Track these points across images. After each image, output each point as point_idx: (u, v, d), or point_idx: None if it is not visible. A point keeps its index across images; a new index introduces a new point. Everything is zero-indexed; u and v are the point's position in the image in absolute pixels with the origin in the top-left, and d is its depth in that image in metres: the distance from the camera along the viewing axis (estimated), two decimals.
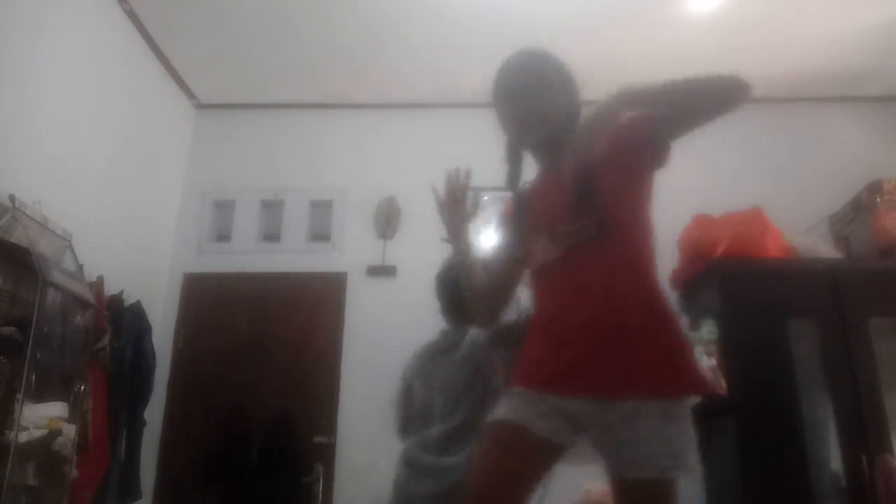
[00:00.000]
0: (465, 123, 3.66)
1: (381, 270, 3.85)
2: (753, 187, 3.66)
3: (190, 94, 4.17)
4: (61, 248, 2.75)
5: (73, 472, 2.58)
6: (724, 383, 3.05)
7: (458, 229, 1.71)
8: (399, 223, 3.88)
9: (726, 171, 3.86)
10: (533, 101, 1.53)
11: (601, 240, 1.41)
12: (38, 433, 2.40)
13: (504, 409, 1.41)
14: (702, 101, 1.42)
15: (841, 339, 3.04)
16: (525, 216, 1.56)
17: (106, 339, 2.94)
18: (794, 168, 3.87)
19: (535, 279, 1.55)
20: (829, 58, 3.69)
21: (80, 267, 2.84)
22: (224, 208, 4.13)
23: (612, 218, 1.42)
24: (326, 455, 3.50)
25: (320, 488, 3.45)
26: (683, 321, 3.53)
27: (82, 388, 2.70)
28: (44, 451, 2.44)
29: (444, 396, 2.26)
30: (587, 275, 1.42)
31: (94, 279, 2.97)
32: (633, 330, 1.37)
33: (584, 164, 1.39)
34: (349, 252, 3.94)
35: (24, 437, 2.33)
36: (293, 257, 3.94)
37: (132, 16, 3.47)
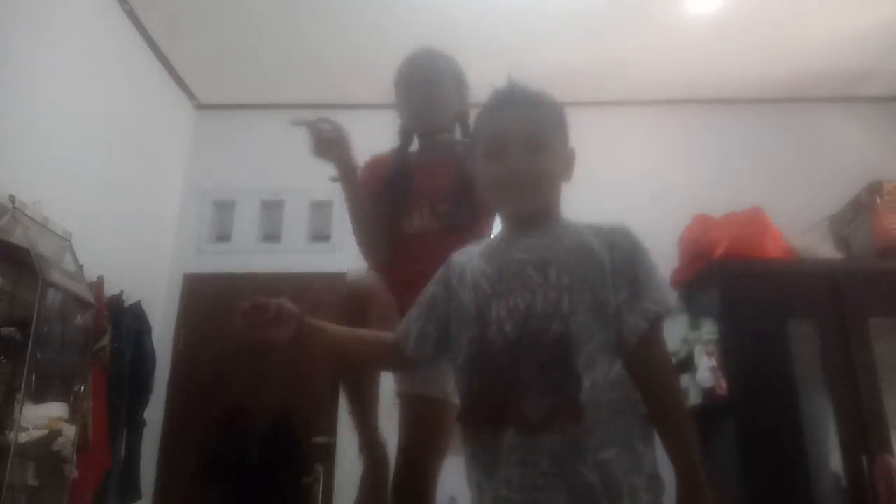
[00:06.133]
0: None
1: None
2: (753, 187, 3.66)
3: (190, 94, 4.17)
4: (61, 248, 2.75)
5: (73, 473, 2.58)
6: (724, 383, 3.06)
7: (348, 161, 1.76)
8: None
9: (726, 171, 3.86)
10: (431, 93, 1.80)
11: (465, 231, 1.65)
12: (38, 433, 2.40)
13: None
14: None
15: (841, 339, 3.04)
16: (410, 185, 1.74)
17: (106, 340, 2.94)
18: (794, 168, 3.87)
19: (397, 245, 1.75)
20: (829, 58, 3.69)
21: (80, 267, 2.83)
22: (224, 208, 4.13)
23: (478, 218, 1.70)
24: (326, 455, 3.50)
25: (320, 488, 3.45)
26: (684, 321, 3.54)
27: (82, 388, 2.70)
28: (44, 452, 2.44)
29: None
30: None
31: (94, 279, 2.97)
32: None
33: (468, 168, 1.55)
34: (349, 252, 3.92)
35: (24, 437, 2.33)
36: (293, 257, 3.94)
37: (132, 16, 3.47)
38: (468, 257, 1.32)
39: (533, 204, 1.26)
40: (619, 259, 1.20)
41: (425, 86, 1.81)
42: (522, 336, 1.14)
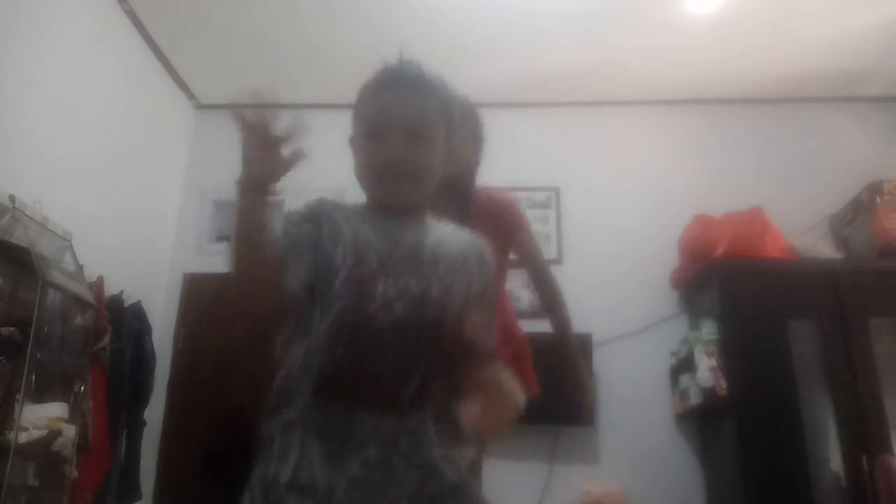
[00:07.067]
0: None
1: None
2: (753, 187, 3.66)
3: (190, 94, 4.16)
4: (61, 249, 2.75)
5: (73, 473, 2.58)
6: (724, 383, 3.06)
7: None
8: None
9: (726, 171, 3.86)
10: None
11: None
12: (38, 433, 2.39)
13: None
14: None
15: (841, 339, 3.04)
16: None
17: (106, 340, 2.93)
18: (794, 168, 3.87)
19: None
20: (829, 58, 3.69)
21: (80, 267, 2.83)
22: (224, 208, 4.12)
23: None
24: None
25: None
26: (684, 321, 3.54)
27: (82, 388, 2.70)
28: (44, 452, 2.44)
29: None
30: None
31: (94, 279, 2.96)
32: None
33: None
34: None
35: (24, 437, 2.33)
36: None
37: (132, 16, 3.47)
38: (341, 214, 1.23)
39: (408, 197, 1.21)
40: (481, 273, 1.23)
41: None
42: (413, 319, 1.12)
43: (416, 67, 1.24)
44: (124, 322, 3.12)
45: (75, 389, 2.66)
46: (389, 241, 1.18)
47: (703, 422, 3.41)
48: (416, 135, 1.18)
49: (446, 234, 1.25)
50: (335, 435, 1.09)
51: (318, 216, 1.24)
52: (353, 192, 1.30)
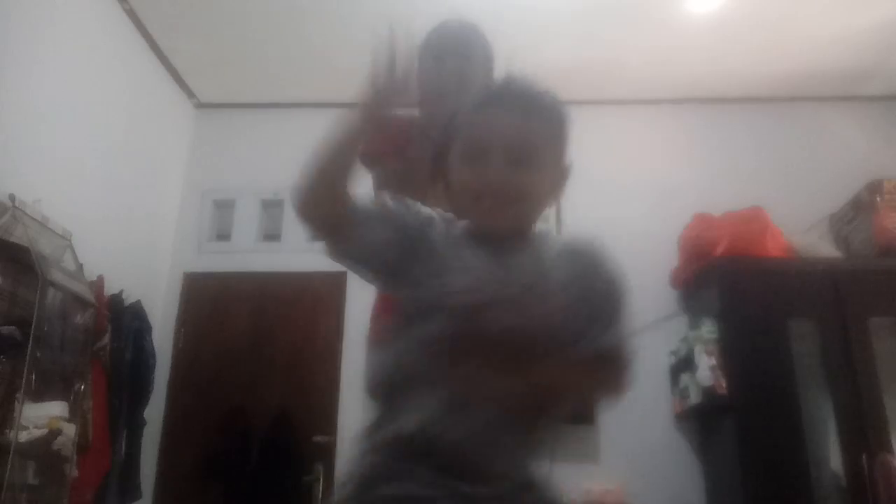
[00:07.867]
0: None
1: None
2: (753, 187, 3.65)
3: (190, 94, 4.17)
4: (61, 248, 2.75)
5: (73, 472, 2.59)
6: (723, 382, 3.06)
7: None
8: None
9: (726, 170, 3.86)
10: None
11: None
12: (38, 433, 2.40)
13: None
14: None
15: (841, 339, 3.04)
16: None
17: (106, 339, 2.94)
18: (794, 168, 3.87)
19: None
20: (829, 58, 3.69)
21: (80, 266, 2.84)
22: (224, 208, 4.13)
23: None
24: (326, 454, 3.50)
25: (320, 488, 3.45)
26: (683, 320, 3.54)
27: (82, 387, 2.71)
28: (44, 451, 2.44)
29: None
30: None
31: (94, 279, 2.97)
32: None
33: None
34: None
35: (24, 436, 2.33)
36: (293, 257, 3.93)
37: (132, 15, 3.47)
38: (446, 225, 1.12)
39: (507, 223, 1.09)
40: (600, 289, 1.11)
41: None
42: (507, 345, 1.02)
43: (524, 85, 1.13)
44: (124, 321, 3.13)
45: (75, 388, 2.67)
46: (509, 264, 1.07)
47: (703, 421, 3.41)
48: (516, 158, 1.06)
49: (559, 254, 1.12)
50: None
51: (424, 227, 1.12)
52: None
